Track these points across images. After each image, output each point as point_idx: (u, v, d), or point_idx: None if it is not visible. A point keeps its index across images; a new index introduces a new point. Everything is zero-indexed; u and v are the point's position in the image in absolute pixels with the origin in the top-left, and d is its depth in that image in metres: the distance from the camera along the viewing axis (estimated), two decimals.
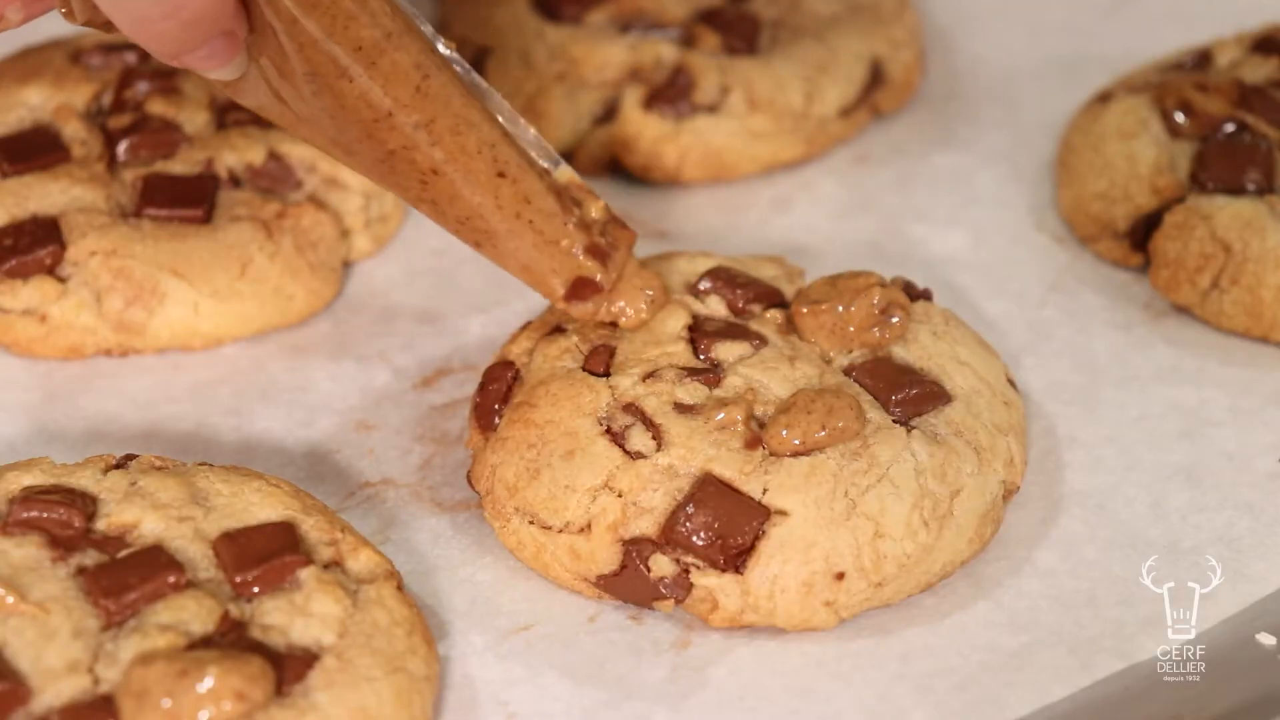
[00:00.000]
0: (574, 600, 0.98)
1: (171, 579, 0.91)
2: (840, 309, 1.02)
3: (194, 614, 0.89)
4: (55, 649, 0.88)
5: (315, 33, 0.94)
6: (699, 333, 1.02)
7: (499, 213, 0.99)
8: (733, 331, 1.02)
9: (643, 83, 1.22)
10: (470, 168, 0.98)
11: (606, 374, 1.01)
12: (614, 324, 1.03)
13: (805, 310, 1.02)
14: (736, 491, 0.96)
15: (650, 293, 1.02)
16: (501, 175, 0.99)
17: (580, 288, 1.01)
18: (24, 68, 1.20)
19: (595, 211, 1.02)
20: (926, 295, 1.07)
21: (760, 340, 1.02)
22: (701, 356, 1.01)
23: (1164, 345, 1.11)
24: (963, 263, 1.17)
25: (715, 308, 1.04)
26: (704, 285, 1.05)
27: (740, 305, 1.04)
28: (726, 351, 1.01)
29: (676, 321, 1.02)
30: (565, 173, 1.02)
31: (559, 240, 1.00)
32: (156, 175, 1.13)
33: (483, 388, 1.03)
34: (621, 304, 1.02)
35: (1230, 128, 1.15)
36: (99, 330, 1.10)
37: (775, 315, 1.03)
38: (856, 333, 1.02)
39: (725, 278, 1.05)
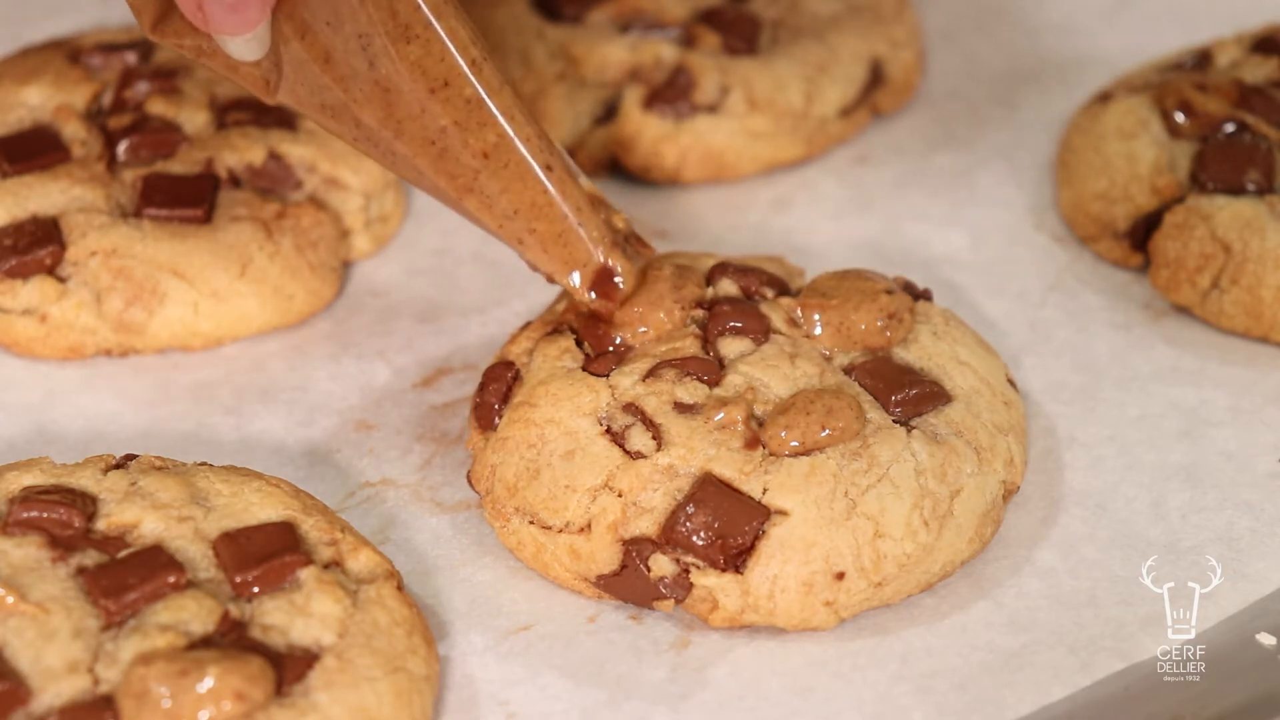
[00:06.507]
0: (574, 600, 0.98)
1: (171, 579, 0.91)
2: (848, 312, 1.02)
3: (194, 614, 0.89)
4: (55, 649, 0.88)
5: None
6: (711, 312, 1.02)
7: (549, 208, 1.00)
8: (743, 313, 1.02)
9: (643, 83, 1.22)
10: (520, 156, 0.99)
11: (607, 373, 1.01)
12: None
13: (813, 303, 1.02)
14: (736, 491, 0.96)
15: (663, 315, 1.02)
16: (549, 169, 1.00)
17: (602, 283, 1.02)
18: (24, 68, 1.20)
19: (619, 223, 1.03)
20: (926, 295, 1.07)
21: (766, 328, 1.02)
22: (709, 353, 1.01)
23: (1164, 345, 1.11)
24: (963, 263, 1.17)
25: (728, 289, 1.04)
26: (718, 273, 1.05)
27: (753, 289, 1.04)
28: (729, 347, 1.01)
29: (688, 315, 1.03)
30: (587, 184, 1.02)
31: (593, 236, 1.01)
32: (156, 175, 1.13)
33: (483, 388, 1.03)
34: (641, 312, 1.02)
35: (1230, 128, 1.15)
36: (99, 330, 1.10)
37: (786, 303, 1.03)
38: (863, 335, 1.02)
39: (738, 265, 1.05)
